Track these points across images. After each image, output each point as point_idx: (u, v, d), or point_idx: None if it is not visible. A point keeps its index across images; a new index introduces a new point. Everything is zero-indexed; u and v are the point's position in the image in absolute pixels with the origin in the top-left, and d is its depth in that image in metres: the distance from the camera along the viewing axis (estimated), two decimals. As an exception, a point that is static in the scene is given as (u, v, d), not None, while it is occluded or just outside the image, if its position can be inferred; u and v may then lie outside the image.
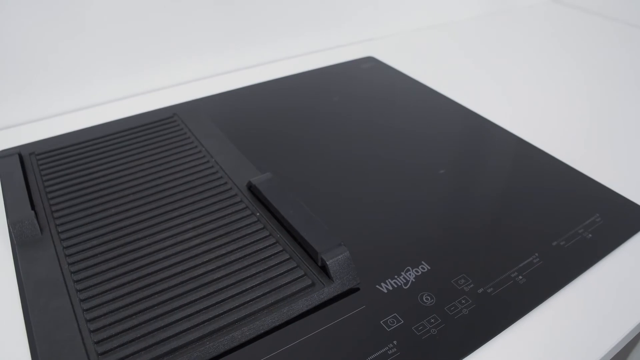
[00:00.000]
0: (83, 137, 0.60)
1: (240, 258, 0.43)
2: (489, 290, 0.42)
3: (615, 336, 0.39)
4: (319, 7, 0.81)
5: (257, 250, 0.44)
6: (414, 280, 0.43)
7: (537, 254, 0.46)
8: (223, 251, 0.44)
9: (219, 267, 0.43)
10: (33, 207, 0.49)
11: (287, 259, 0.43)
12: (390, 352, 0.38)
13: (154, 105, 0.69)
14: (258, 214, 0.48)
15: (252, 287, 0.41)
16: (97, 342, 0.37)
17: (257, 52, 0.80)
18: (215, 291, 0.41)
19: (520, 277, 0.44)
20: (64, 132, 0.64)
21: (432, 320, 0.40)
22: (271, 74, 0.78)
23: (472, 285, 0.43)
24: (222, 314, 0.39)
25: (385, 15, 0.90)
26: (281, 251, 0.44)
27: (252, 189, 0.50)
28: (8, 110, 0.65)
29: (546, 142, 0.62)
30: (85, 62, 0.67)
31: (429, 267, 0.44)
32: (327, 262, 0.41)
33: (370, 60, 0.80)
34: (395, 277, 0.43)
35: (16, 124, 0.67)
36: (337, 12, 0.84)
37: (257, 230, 0.46)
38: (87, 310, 0.40)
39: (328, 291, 0.41)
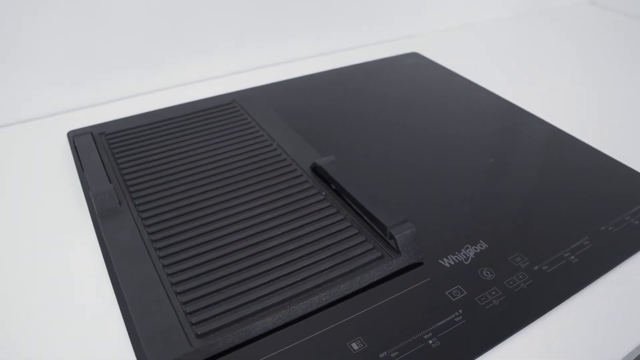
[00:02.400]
0: (148, 119, 0.63)
1: (311, 232, 0.46)
2: (544, 268, 0.45)
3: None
4: (365, 3, 0.84)
5: (327, 225, 0.47)
6: (473, 256, 0.46)
7: (587, 237, 0.49)
8: (294, 225, 0.47)
9: (291, 239, 0.46)
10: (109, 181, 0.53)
11: (356, 234, 0.46)
12: (456, 319, 0.40)
13: (209, 92, 0.72)
14: (324, 193, 0.51)
15: (325, 258, 0.44)
16: (185, 303, 0.41)
17: (306, 44, 0.83)
18: (291, 261, 0.44)
19: (573, 257, 0.46)
20: (127, 115, 0.67)
21: (493, 293, 0.43)
22: (320, 66, 0.81)
23: (527, 263, 0.46)
24: (299, 281, 0.42)
25: (425, 13, 0.93)
26: (349, 226, 0.47)
27: (317, 169, 0.53)
28: (75, 93, 0.69)
29: (592, 136, 0.64)
30: (139, 51, 0.71)
31: (487, 246, 0.47)
32: (396, 236, 0.44)
33: (414, 56, 0.83)
34: (456, 253, 0.46)
35: (83, 106, 0.70)
36: (382, 9, 0.87)
37: (324, 208, 0.49)
38: (171, 274, 0.43)
39: (396, 263, 0.44)
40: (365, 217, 0.48)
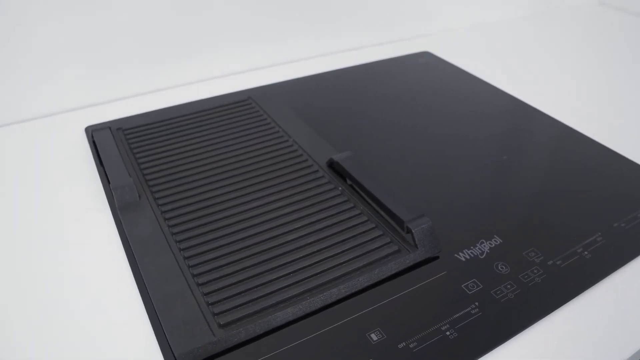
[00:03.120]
0: (164, 115, 0.64)
1: (329, 226, 0.47)
2: (558, 263, 0.46)
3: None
4: (376, 3, 0.85)
5: (344, 220, 0.48)
6: (488, 251, 0.47)
7: (600, 233, 0.49)
8: (312, 219, 0.48)
9: (310, 233, 0.47)
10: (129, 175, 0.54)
11: (373, 228, 0.47)
12: (473, 311, 0.41)
13: (225, 89, 0.73)
14: (340, 188, 0.52)
15: (343, 251, 0.45)
16: (206, 294, 0.41)
17: (320, 43, 0.84)
18: (310, 253, 0.45)
19: (586, 252, 0.47)
20: (143, 111, 0.68)
21: (509, 286, 0.44)
22: (333, 64, 0.82)
23: (542, 258, 0.46)
24: (319, 273, 0.43)
25: (435, 14, 0.94)
26: (366, 221, 0.48)
27: (333, 165, 0.54)
28: (94, 90, 0.70)
29: (603, 135, 0.65)
30: (151, 49, 0.72)
31: (501, 241, 0.48)
32: (413, 230, 0.45)
33: (426, 55, 0.84)
34: (471, 247, 0.47)
35: (101, 102, 0.71)
36: (393, 9, 0.88)
37: (341, 202, 0.50)
38: (192, 266, 0.44)
39: (413, 256, 0.45)
40: (381, 212, 0.49)
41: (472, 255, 0.46)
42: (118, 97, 0.72)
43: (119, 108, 0.69)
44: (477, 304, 0.42)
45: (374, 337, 0.39)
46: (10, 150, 0.60)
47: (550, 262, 0.46)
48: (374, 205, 0.50)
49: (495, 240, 0.48)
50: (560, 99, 0.74)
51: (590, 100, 0.74)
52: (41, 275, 0.45)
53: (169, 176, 0.54)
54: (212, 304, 0.41)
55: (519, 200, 0.53)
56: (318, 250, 0.45)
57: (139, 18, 0.68)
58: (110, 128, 0.60)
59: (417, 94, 0.73)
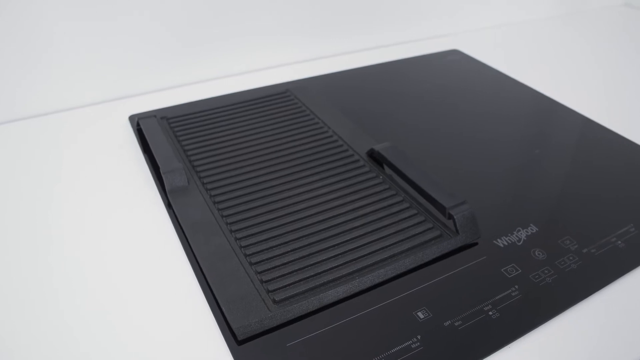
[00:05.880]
0: (206, 106, 0.66)
1: (373, 211, 0.49)
2: (592, 251, 0.48)
3: None
4: (405, 1, 0.87)
5: (387, 206, 0.50)
6: (525, 238, 0.49)
7: (632, 224, 0.51)
8: (356, 205, 0.50)
9: (355, 217, 0.49)
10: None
11: (415, 214, 0.49)
12: (513, 294, 0.43)
13: (262, 82, 0.75)
14: (381, 176, 0.54)
15: (387, 235, 0.47)
16: (260, 273, 0.44)
17: (352, 40, 0.86)
18: (358, 236, 0.47)
19: (620, 242, 0.49)
20: (184, 101, 0.70)
21: (546, 271, 0.46)
22: (363, 61, 0.84)
23: (577, 246, 0.48)
24: (366, 255, 0.45)
25: (462, 13, 0.96)
26: (408, 207, 0.50)
27: (374, 154, 0.56)
28: (134, 81, 0.72)
29: (631, 131, 0.67)
30: (184, 43, 0.74)
31: (537, 229, 0.50)
32: (455, 217, 0.47)
33: (455, 53, 0.86)
34: (509, 235, 0.49)
35: (140, 93, 0.73)
36: (421, 7, 0.90)
37: (383, 190, 0.52)
38: (244, 247, 0.46)
39: (455, 241, 0.47)
40: (422, 199, 0.51)
41: (510, 242, 0.48)
42: (157, 88, 0.75)
43: (156, 99, 0.71)
44: (516, 287, 0.44)
45: (420, 315, 0.41)
46: (53, 139, 0.63)
47: (585, 250, 0.48)
48: (413, 192, 0.52)
49: (531, 229, 0.50)
50: (588, 96, 0.76)
51: (617, 98, 0.76)
52: (97, 259, 0.47)
53: (215, 163, 0.56)
54: (266, 281, 0.43)
55: (553, 191, 0.55)
56: (365, 234, 0.47)
57: (181, 10, 0.70)
58: (155, 116, 0.63)
59: (449, 90, 0.75)
